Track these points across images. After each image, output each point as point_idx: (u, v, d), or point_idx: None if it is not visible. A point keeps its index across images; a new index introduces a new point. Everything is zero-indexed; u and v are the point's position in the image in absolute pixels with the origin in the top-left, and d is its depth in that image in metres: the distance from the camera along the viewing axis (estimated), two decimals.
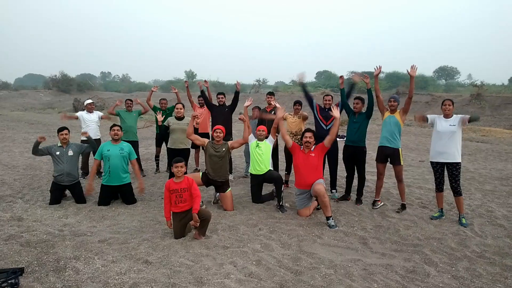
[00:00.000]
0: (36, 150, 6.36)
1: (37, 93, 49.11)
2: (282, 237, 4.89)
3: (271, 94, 8.14)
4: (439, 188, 5.83)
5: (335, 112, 5.91)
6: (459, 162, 5.62)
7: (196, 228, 4.83)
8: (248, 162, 8.70)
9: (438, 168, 5.76)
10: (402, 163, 6.22)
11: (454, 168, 5.62)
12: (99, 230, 5.04)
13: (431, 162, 5.84)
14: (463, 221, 5.55)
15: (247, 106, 6.72)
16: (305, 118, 7.44)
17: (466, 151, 12.97)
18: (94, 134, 8.27)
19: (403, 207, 6.20)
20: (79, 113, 8.52)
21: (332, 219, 5.37)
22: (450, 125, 5.60)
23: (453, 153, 5.59)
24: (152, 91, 8.92)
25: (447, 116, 5.69)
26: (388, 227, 5.35)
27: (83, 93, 46.13)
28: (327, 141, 5.78)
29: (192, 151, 8.75)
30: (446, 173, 5.76)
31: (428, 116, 5.89)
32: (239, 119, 6.68)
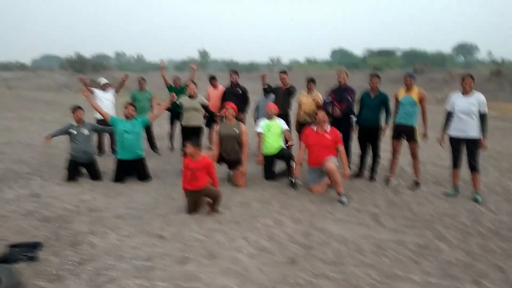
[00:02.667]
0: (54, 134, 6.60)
1: (53, 74, 49.67)
2: (294, 213, 4.92)
3: (284, 72, 8.05)
4: (456, 164, 5.75)
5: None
6: (480, 139, 5.51)
7: (209, 206, 4.89)
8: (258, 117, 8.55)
9: (456, 143, 5.65)
10: (418, 140, 6.14)
11: (473, 145, 5.52)
12: (114, 206, 5.14)
13: (450, 138, 5.73)
14: (478, 198, 5.49)
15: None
16: (318, 106, 7.34)
17: None
18: (109, 113, 8.32)
19: (416, 184, 6.16)
20: (95, 89, 8.56)
21: (344, 195, 5.37)
22: (469, 103, 5.46)
23: (473, 129, 5.48)
24: (161, 68, 8.79)
25: (466, 92, 5.53)
26: (401, 204, 5.33)
27: (98, 73, 46.34)
28: (340, 149, 5.85)
29: (206, 130, 8.77)
30: (465, 151, 5.65)
31: (448, 109, 5.78)
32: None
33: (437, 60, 49.55)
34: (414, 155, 6.20)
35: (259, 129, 6.60)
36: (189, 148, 4.86)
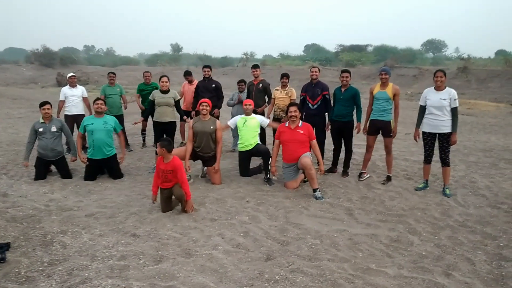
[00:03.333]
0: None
1: (18, 68, 47.75)
2: (269, 209, 4.94)
3: (256, 67, 8.05)
4: (428, 160, 5.90)
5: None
6: (451, 133, 5.66)
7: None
8: (235, 137, 8.68)
9: (429, 139, 5.80)
10: (392, 135, 6.25)
11: (445, 140, 5.66)
12: (86, 204, 5.02)
13: (423, 133, 5.87)
14: (447, 191, 5.66)
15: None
16: (292, 100, 7.37)
17: None
18: (78, 109, 8.13)
19: (388, 178, 6.29)
20: (61, 89, 8.31)
21: (319, 191, 5.43)
22: (440, 98, 5.58)
23: (445, 125, 5.61)
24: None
25: (438, 88, 5.66)
26: (373, 198, 5.44)
27: (67, 67, 45.02)
28: (313, 145, 5.86)
29: (178, 125, 8.67)
30: (436, 145, 5.80)
31: (420, 104, 5.90)
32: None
33: (407, 56, 50.48)
34: (388, 150, 6.30)
35: (229, 122, 6.62)
36: (159, 149, 4.75)
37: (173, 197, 4.84)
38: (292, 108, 5.76)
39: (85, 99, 8.41)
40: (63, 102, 8.09)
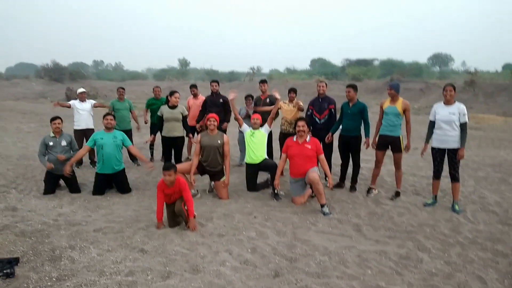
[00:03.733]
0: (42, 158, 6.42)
1: (29, 82, 48.55)
2: (277, 224, 4.92)
3: (264, 81, 8.11)
4: (437, 175, 5.87)
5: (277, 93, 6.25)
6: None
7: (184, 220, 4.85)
8: (242, 151, 8.70)
9: (438, 154, 5.76)
10: (402, 151, 6.23)
11: (454, 155, 5.61)
12: (94, 219, 5.04)
13: (432, 148, 5.84)
14: (456, 207, 5.60)
15: (232, 100, 6.76)
16: (301, 110, 7.41)
17: None
18: (87, 124, 8.25)
19: (397, 194, 6.25)
20: (71, 102, 8.45)
21: (327, 206, 5.40)
22: (450, 113, 5.57)
23: (454, 140, 5.58)
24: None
25: (448, 102, 5.64)
26: (382, 214, 5.40)
27: (76, 82, 45.72)
28: (320, 159, 5.86)
29: (186, 139, 8.72)
30: (446, 160, 5.75)
31: (430, 118, 5.89)
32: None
33: (414, 70, 50.55)
34: (397, 165, 6.27)
35: (243, 127, 6.73)
36: (170, 177, 4.70)
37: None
38: (300, 123, 5.78)
39: (96, 104, 8.67)
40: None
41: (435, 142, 5.76)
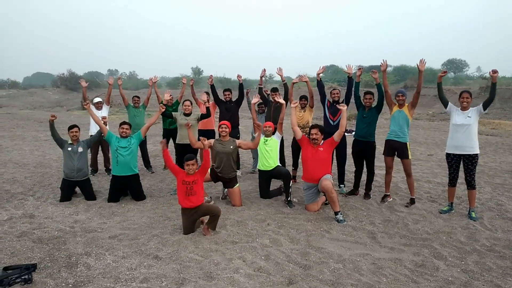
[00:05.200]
0: (54, 131, 6.60)
1: (45, 92, 49.58)
2: (290, 232, 4.91)
3: (274, 90, 8.12)
4: (452, 182, 5.78)
5: (341, 105, 5.92)
6: (476, 154, 5.55)
7: (206, 223, 4.85)
8: (255, 158, 8.72)
9: (454, 161, 5.69)
10: (410, 157, 6.20)
11: (470, 162, 5.54)
12: (109, 226, 5.09)
13: (447, 154, 5.77)
14: (473, 215, 5.52)
15: (255, 103, 6.75)
16: (311, 108, 7.44)
17: None
18: None
19: (412, 201, 6.18)
20: (90, 106, 8.59)
21: (341, 214, 5.37)
22: (466, 117, 5.52)
23: (470, 145, 5.51)
24: (154, 83, 9.12)
25: (464, 108, 5.61)
26: (396, 221, 5.35)
27: (91, 90, 46.38)
28: (336, 135, 5.76)
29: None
30: (462, 167, 5.67)
31: (449, 102, 5.79)
32: (255, 124, 6.70)
33: (428, 76, 50.13)
34: (408, 173, 6.22)
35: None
36: (191, 166, 4.85)
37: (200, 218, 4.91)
38: (314, 131, 5.74)
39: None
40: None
41: (451, 148, 5.69)
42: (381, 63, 6.33)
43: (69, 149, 6.43)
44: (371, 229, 5.06)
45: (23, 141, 13.73)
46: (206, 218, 4.92)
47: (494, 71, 5.44)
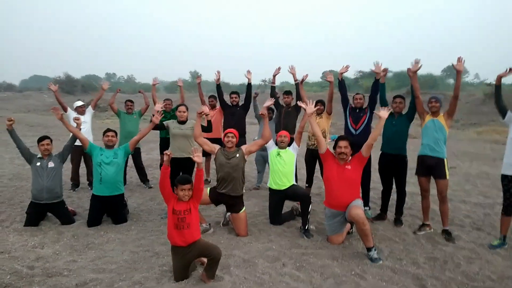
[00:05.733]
0: (17, 141, 5.57)
1: (41, 95, 48.39)
2: (314, 277, 3.77)
3: (288, 93, 7.02)
4: (508, 211, 4.64)
5: (384, 112, 4.70)
6: None
7: (203, 269, 3.71)
8: (260, 172, 7.62)
9: (511, 184, 4.60)
10: (447, 177, 5.08)
11: None
12: (80, 266, 3.95)
13: (503, 176, 4.66)
14: None
15: (267, 107, 5.62)
16: (328, 116, 6.38)
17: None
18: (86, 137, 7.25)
19: (447, 233, 5.01)
20: (69, 112, 7.46)
21: (375, 250, 4.25)
22: None
23: None
24: (153, 86, 7.99)
25: None
26: (444, 261, 4.23)
27: (88, 94, 45.35)
28: (365, 149, 4.61)
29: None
30: None
31: (509, 110, 4.70)
32: (260, 114, 5.56)
33: (428, 82, 49.23)
34: (442, 195, 5.07)
35: (269, 146, 5.55)
36: (190, 191, 3.76)
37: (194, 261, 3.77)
38: (343, 143, 4.61)
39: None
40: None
41: (508, 168, 4.59)
42: (412, 63, 5.27)
43: (38, 164, 5.32)
44: (416, 272, 3.94)
45: (5, 148, 12.60)
46: (205, 258, 3.80)
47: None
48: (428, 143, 5.10)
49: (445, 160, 5.08)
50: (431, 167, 5.08)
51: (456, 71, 4.97)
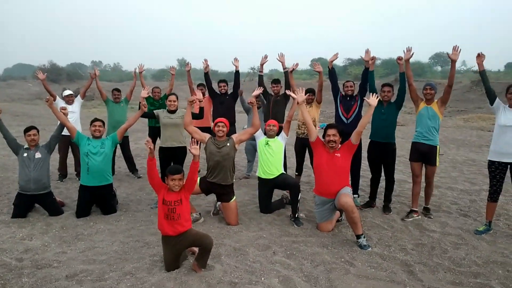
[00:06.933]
0: (3, 131, 5.43)
1: (25, 84, 47.54)
2: (304, 264, 3.81)
3: (276, 82, 6.98)
4: (494, 197, 4.72)
5: (372, 99, 4.66)
6: None
7: (195, 258, 3.71)
8: (250, 161, 7.63)
9: (498, 171, 4.64)
10: (437, 164, 5.25)
11: None
12: (69, 258, 3.92)
13: (490, 162, 4.72)
14: None
15: (256, 96, 5.60)
16: (318, 106, 6.37)
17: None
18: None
19: (426, 210, 5.36)
20: (58, 99, 7.33)
21: (364, 237, 4.29)
22: None
23: None
24: (140, 73, 7.83)
25: None
26: (432, 246, 4.30)
27: (73, 82, 44.75)
28: (354, 136, 4.63)
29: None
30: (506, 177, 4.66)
31: (497, 98, 4.74)
32: (249, 102, 5.55)
33: (416, 70, 49.53)
34: (429, 180, 5.34)
35: (257, 135, 5.53)
36: (181, 181, 3.71)
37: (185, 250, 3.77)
38: (331, 131, 4.62)
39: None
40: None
41: (495, 155, 4.66)
42: (404, 51, 5.29)
43: (25, 154, 5.24)
44: (404, 258, 4.00)
45: None
46: (196, 248, 3.80)
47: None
48: (422, 131, 5.20)
49: (437, 147, 5.19)
50: (424, 154, 5.19)
51: (451, 61, 4.99)
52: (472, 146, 12.18)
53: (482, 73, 4.80)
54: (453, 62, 4.97)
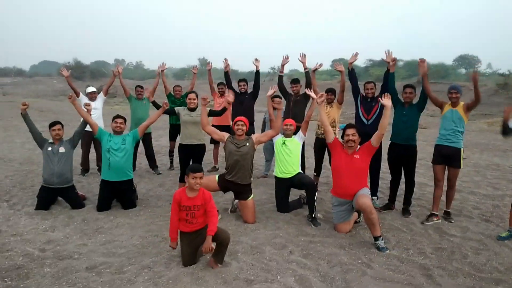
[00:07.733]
0: (30, 125, 5.60)
1: (50, 80, 48.69)
2: (320, 264, 3.80)
3: (295, 82, 6.97)
4: None
5: (386, 100, 4.66)
6: None
7: (212, 254, 3.75)
8: (268, 160, 7.63)
9: None
10: (461, 167, 5.15)
11: None
12: (90, 250, 4.02)
13: None
14: None
15: (271, 96, 5.63)
16: (339, 107, 6.33)
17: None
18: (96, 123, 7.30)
19: (447, 214, 5.24)
20: (81, 97, 7.52)
21: (382, 239, 4.25)
22: None
23: None
24: (162, 71, 7.87)
25: None
26: (451, 251, 4.23)
27: (97, 80, 45.52)
28: (375, 138, 4.60)
29: (210, 147, 7.74)
30: None
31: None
32: (273, 106, 5.65)
33: (440, 72, 48.53)
34: (451, 183, 5.23)
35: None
36: (202, 179, 3.70)
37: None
38: (350, 131, 4.60)
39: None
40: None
41: None
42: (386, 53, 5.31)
43: (49, 149, 5.39)
44: (423, 262, 3.94)
45: (17, 132, 12.78)
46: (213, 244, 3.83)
47: None
48: (446, 133, 5.12)
49: (462, 150, 5.10)
50: (448, 157, 5.12)
51: (473, 81, 4.90)
52: (496, 150, 11.88)
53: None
54: (475, 81, 4.91)
